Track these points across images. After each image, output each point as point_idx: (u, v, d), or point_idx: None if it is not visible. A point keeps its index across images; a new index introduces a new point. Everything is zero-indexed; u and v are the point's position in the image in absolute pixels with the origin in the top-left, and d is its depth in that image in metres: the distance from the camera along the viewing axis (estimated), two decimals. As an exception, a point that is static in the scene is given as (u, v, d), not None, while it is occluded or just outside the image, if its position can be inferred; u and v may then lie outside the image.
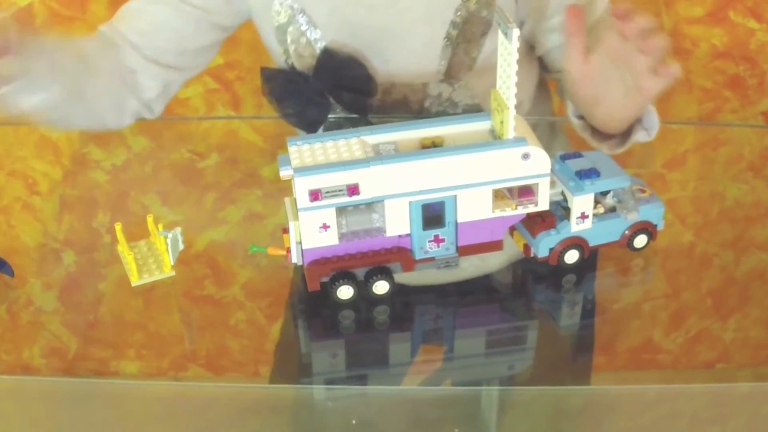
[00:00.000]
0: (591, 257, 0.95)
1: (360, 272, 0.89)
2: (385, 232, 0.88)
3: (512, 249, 0.95)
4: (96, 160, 1.20)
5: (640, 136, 1.06)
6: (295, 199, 0.86)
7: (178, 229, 0.95)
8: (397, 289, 0.90)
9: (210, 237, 1.05)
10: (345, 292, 0.89)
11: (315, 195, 0.84)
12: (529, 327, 0.93)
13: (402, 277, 0.91)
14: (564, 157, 0.95)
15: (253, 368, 0.91)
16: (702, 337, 0.90)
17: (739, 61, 1.75)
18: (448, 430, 0.82)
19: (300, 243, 0.87)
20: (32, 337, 0.91)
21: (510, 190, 0.89)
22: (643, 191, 0.97)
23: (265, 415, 0.87)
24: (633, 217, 0.94)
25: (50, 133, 1.29)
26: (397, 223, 0.87)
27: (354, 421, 0.83)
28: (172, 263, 0.95)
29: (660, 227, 0.96)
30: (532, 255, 0.94)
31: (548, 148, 1.20)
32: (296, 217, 0.86)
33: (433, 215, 0.87)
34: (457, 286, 0.96)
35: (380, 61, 1.17)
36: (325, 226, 0.86)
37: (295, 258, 0.89)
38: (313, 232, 0.86)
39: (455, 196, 0.87)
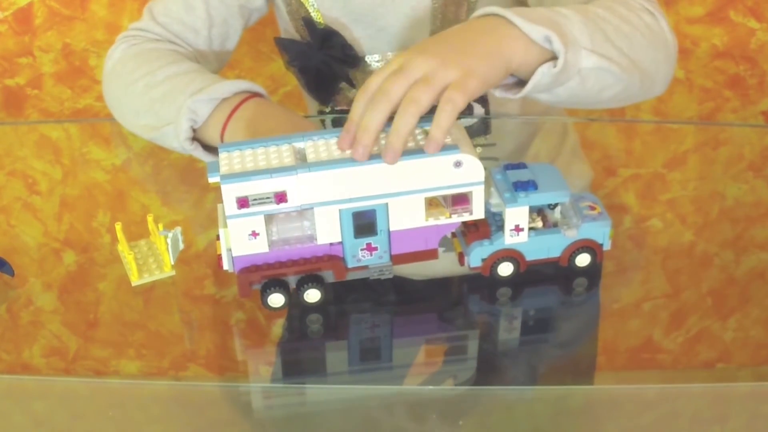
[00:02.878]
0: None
1: (293, 279, 0.88)
2: (316, 239, 0.87)
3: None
4: (96, 159, 1.20)
5: (544, 68, 0.89)
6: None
7: (178, 229, 0.95)
8: (403, 286, 0.90)
9: (210, 236, 1.04)
10: (276, 299, 0.88)
11: (242, 202, 0.83)
12: (532, 327, 0.93)
13: (407, 271, 0.90)
14: (507, 167, 0.92)
15: (253, 368, 0.91)
16: (702, 337, 0.90)
17: (739, 61, 1.75)
18: (449, 430, 0.82)
19: (230, 250, 0.87)
20: (32, 337, 0.91)
21: (445, 197, 0.87)
22: (593, 208, 0.93)
23: (264, 415, 0.87)
24: (572, 235, 0.91)
25: (50, 132, 1.30)
26: (328, 231, 0.86)
27: (359, 422, 0.84)
28: (173, 263, 0.95)
29: (606, 247, 0.93)
30: (465, 264, 0.92)
31: (558, 147, 1.19)
32: (226, 224, 0.85)
33: (364, 223, 0.86)
34: (461, 281, 0.96)
35: (374, 28, 1.18)
36: (254, 234, 0.85)
37: (226, 265, 0.88)
38: (242, 239, 0.85)
39: (386, 204, 0.85)
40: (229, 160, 0.85)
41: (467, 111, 1.21)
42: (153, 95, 1.10)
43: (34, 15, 1.67)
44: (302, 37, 1.22)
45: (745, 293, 0.96)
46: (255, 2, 1.22)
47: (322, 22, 1.19)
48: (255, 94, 1.08)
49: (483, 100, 1.22)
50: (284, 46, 1.23)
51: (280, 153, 0.85)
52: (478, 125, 1.22)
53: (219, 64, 1.24)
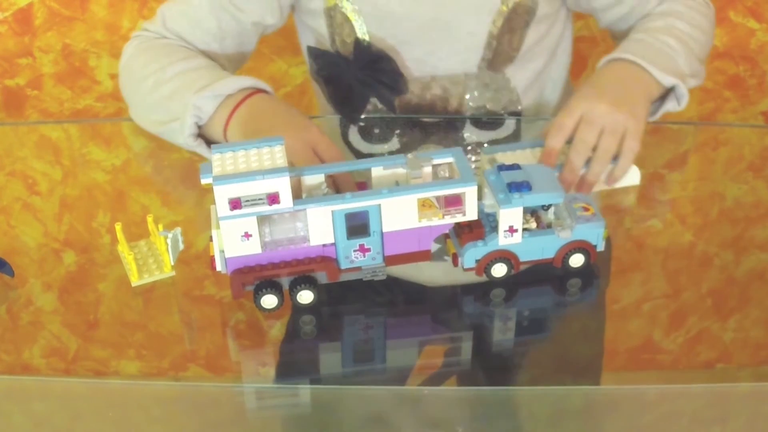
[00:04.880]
0: (601, 260, 0.94)
1: (286, 281, 0.88)
2: (309, 241, 0.87)
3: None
4: (96, 159, 1.20)
5: (670, 106, 1.12)
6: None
7: (178, 229, 0.94)
8: (398, 287, 0.90)
9: (210, 237, 1.04)
10: (269, 301, 0.88)
11: (235, 203, 0.83)
12: (527, 327, 0.93)
13: (415, 277, 0.91)
14: (501, 168, 0.92)
15: (253, 369, 0.91)
16: (702, 337, 0.90)
17: (739, 61, 1.75)
18: (450, 430, 0.82)
19: (223, 251, 0.87)
20: (32, 337, 0.91)
21: (438, 199, 0.87)
22: (587, 209, 0.94)
23: (265, 414, 0.87)
24: (566, 236, 0.91)
25: (50, 133, 1.30)
26: (321, 232, 0.86)
27: (358, 422, 0.84)
28: (172, 263, 0.95)
29: (600, 248, 0.93)
30: (459, 265, 0.92)
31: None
32: (219, 225, 0.85)
33: (357, 224, 0.86)
34: (460, 287, 0.96)
35: (423, 51, 1.18)
36: (246, 235, 0.85)
37: (219, 266, 0.88)
38: (235, 240, 0.85)
39: (379, 205, 0.85)
40: (221, 161, 0.85)
41: (498, 124, 1.21)
42: (162, 92, 1.11)
43: (34, 15, 1.67)
44: (340, 53, 1.21)
45: (745, 294, 0.96)
46: (269, 20, 1.21)
47: (366, 40, 1.18)
48: (259, 91, 1.08)
49: (515, 114, 1.22)
50: (315, 56, 1.22)
51: (273, 154, 0.85)
52: (509, 138, 1.21)
53: (234, 67, 1.24)
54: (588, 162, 1.03)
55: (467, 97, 1.22)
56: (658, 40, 1.15)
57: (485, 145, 1.19)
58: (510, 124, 1.21)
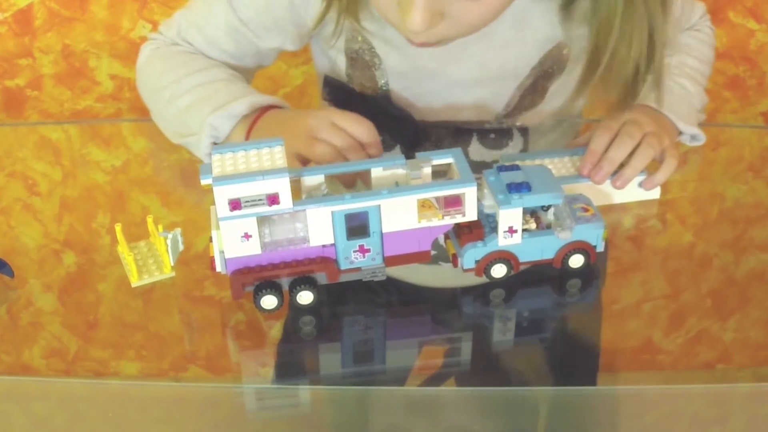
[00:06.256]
0: (598, 260, 0.94)
1: (285, 281, 0.88)
2: (308, 241, 0.87)
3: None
4: (96, 160, 1.20)
5: (684, 138, 1.15)
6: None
7: (178, 230, 0.95)
8: (397, 287, 0.90)
9: (209, 238, 1.04)
10: (268, 301, 0.88)
11: (235, 204, 0.83)
12: (527, 328, 0.93)
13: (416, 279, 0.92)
14: (501, 169, 0.92)
15: (253, 369, 0.91)
16: (702, 338, 0.91)
17: (738, 62, 1.75)
18: (453, 430, 0.82)
19: (223, 252, 0.87)
20: (32, 338, 0.91)
21: (437, 199, 0.87)
22: (587, 210, 0.94)
23: (265, 415, 0.87)
24: (565, 236, 0.91)
25: (50, 134, 1.30)
26: (321, 232, 0.86)
27: (358, 423, 0.84)
28: (172, 264, 0.95)
29: (600, 249, 0.93)
30: (458, 265, 0.92)
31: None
32: (218, 226, 0.86)
33: (357, 225, 0.86)
34: (463, 289, 0.96)
35: (442, 105, 1.18)
36: (246, 236, 0.85)
37: (219, 267, 0.88)
38: (235, 241, 0.85)
39: (379, 206, 0.86)
40: (221, 162, 0.85)
41: (507, 140, 1.21)
42: (179, 104, 1.12)
43: (34, 16, 1.67)
44: (356, 90, 1.21)
45: (745, 294, 0.96)
46: (288, 47, 1.20)
47: (387, 90, 1.18)
48: (274, 106, 1.08)
49: (524, 130, 1.22)
50: (331, 84, 1.21)
51: (273, 155, 0.85)
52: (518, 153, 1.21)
53: (252, 74, 1.24)
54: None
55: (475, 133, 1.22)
56: (677, 84, 1.18)
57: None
58: (518, 142, 1.21)
